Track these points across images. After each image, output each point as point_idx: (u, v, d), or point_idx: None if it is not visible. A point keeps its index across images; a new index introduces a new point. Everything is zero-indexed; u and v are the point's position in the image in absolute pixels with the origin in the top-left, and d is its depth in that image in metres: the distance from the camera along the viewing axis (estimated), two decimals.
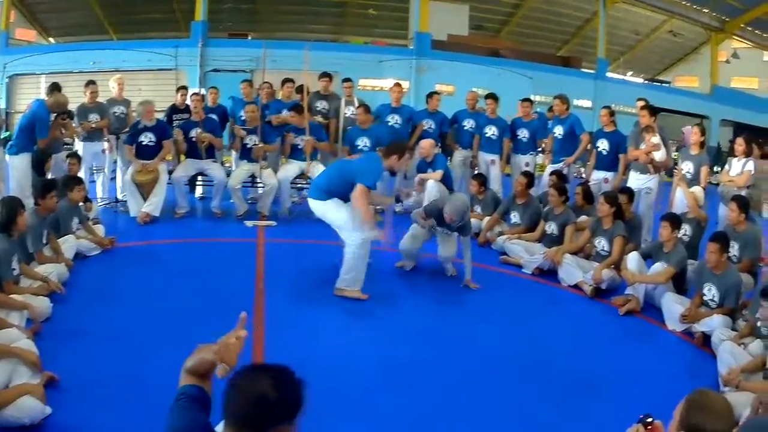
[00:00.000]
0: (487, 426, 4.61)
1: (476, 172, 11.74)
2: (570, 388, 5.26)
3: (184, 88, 12.79)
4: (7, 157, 9.13)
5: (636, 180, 9.62)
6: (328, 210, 7.14)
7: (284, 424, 2.08)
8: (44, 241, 7.28)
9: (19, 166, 8.94)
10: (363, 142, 10.82)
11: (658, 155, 9.33)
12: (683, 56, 35.20)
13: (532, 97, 13.45)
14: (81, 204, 8.54)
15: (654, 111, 9.69)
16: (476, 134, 11.82)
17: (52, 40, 31.79)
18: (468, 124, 11.89)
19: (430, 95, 12.25)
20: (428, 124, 11.69)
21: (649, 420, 2.96)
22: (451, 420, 4.64)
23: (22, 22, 29.26)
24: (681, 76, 34.56)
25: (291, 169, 10.90)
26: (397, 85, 12.10)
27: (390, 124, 11.47)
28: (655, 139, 9.26)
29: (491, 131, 11.61)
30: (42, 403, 4.19)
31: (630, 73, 34.35)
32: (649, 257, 7.64)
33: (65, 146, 10.72)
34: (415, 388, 5.11)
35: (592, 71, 28.22)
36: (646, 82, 31.36)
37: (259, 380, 2.10)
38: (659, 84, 31.06)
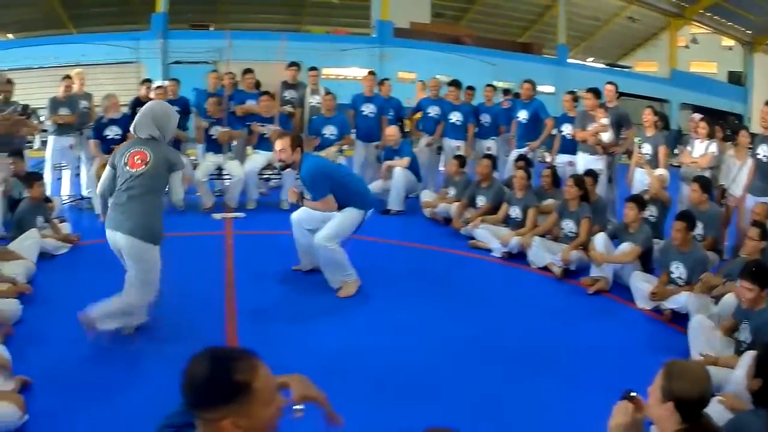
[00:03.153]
0: (456, 405, 4.66)
1: (442, 157, 11.83)
2: (541, 365, 5.36)
3: (149, 80, 12.74)
4: None
5: (585, 162, 9.70)
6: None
7: (228, 405, 1.95)
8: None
9: None
10: (329, 131, 10.85)
11: (605, 136, 9.47)
12: (643, 42, 35.43)
13: (494, 84, 13.56)
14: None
15: (598, 94, 9.88)
16: (441, 121, 11.87)
17: (10, 35, 31.42)
18: (432, 111, 11.95)
19: (382, 82, 12.36)
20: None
21: (633, 394, 3.02)
22: (414, 401, 4.69)
23: None
24: (640, 61, 34.84)
25: (258, 159, 10.91)
26: (370, 74, 12.17)
27: (365, 113, 11.51)
28: (605, 120, 9.43)
29: (455, 117, 11.72)
30: (19, 410, 4.09)
31: (590, 59, 34.56)
32: (615, 238, 7.74)
33: (27, 144, 10.53)
34: (379, 372, 5.16)
35: (553, 57, 28.47)
36: (607, 67, 31.55)
37: (195, 360, 2.03)
38: (620, 69, 31.29)
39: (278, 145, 6.74)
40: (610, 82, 10.36)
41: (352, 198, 6.92)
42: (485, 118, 11.95)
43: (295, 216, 7.31)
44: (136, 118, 5.56)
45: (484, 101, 12.18)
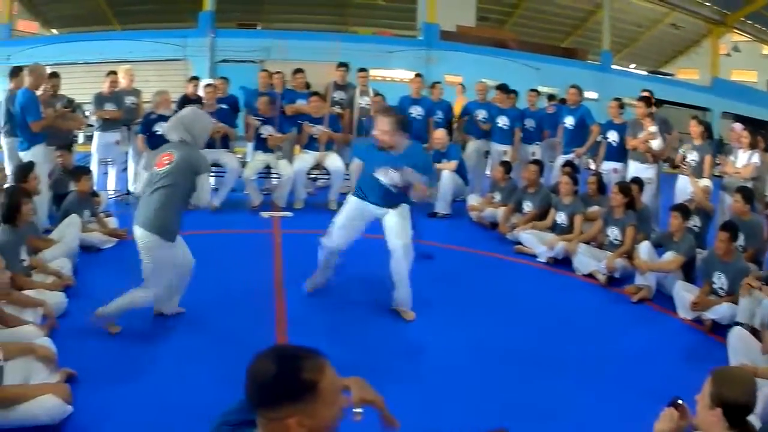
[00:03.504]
0: (495, 411, 4.69)
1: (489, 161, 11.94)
2: (582, 372, 5.40)
3: (196, 78, 12.79)
4: (20, 155, 8.89)
5: (636, 170, 9.74)
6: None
7: (295, 403, 1.95)
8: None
9: (34, 159, 8.57)
10: None
11: (655, 144, 9.50)
12: (684, 49, 35.13)
13: (538, 89, 13.62)
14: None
15: (649, 102, 9.85)
16: (488, 124, 11.90)
17: (54, 31, 31.78)
18: (480, 114, 11.97)
19: (433, 85, 12.41)
20: (436, 115, 11.77)
21: (680, 402, 3.10)
22: (456, 405, 4.75)
23: (23, 14, 29.28)
24: (682, 69, 34.54)
25: (306, 159, 10.98)
26: (417, 76, 12.13)
27: (412, 116, 11.44)
28: (653, 128, 9.45)
29: (502, 121, 11.75)
30: (65, 402, 4.13)
31: (633, 65, 34.33)
32: (659, 246, 7.74)
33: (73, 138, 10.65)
34: (422, 376, 5.22)
35: (596, 63, 28.17)
36: (649, 74, 31.29)
37: (262, 358, 2.00)
38: (662, 76, 31.00)
39: (380, 124, 6.13)
40: (645, 90, 10.42)
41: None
42: (529, 123, 11.97)
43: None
44: (168, 123, 5.80)
45: (528, 106, 12.19)
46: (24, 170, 7.46)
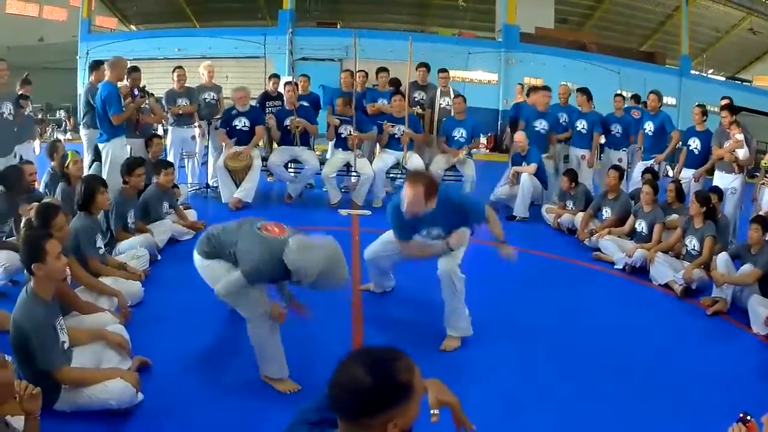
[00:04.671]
0: (563, 419, 4.66)
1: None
2: (649, 385, 5.27)
3: (276, 76, 12.98)
4: (100, 146, 9.07)
5: (722, 179, 9.53)
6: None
7: (389, 410, 1.93)
8: (129, 222, 7.49)
9: (113, 152, 8.88)
10: (459, 133, 10.93)
11: (741, 153, 9.26)
12: (761, 54, 34.47)
13: (619, 92, 13.45)
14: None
15: (733, 110, 9.66)
16: (568, 128, 11.82)
17: (133, 27, 32.44)
18: (561, 118, 11.82)
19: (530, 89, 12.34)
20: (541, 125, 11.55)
21: (748, 418, 3.04)
22: (527, 412, 4.73)
23: (101, 10, 29.93)
24: (759, 75, 33.84)
25: (387, 159, 11.06)
26: (546, 88, 11.91)
27: (536, 129, 11.34)
28: (740, 136, 9.22)
29: (581, 125, 11.56)
30: (134, 389, 4.14)
31: (711, 70, 33.78)
32: (737, 258, 7.53)
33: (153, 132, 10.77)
34: (497, 380, 5.18)
35: (675, 67, 27.57)
36: (727, 80, 30.73)
37: (350, 369, 1.94)
38: (740, 82, 30.43)
39: (409, 194, 5.24)
40: (725, 97, 10.22)
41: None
42: (616, 129, 11.65)
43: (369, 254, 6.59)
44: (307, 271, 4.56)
45: (614, 111, 11.91)
46: (132, 164, 7.66)
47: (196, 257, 5.10)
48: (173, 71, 11.19)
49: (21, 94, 9.38)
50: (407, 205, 5.28)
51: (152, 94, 10.10)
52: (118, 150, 8.77)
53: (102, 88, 8.81)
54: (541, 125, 11.35)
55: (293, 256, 4.54)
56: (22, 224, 5.96)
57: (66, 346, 4.20)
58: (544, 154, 11.23)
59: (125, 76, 9.37)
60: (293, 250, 4.56)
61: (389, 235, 6.15)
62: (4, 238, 6.53)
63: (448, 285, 5.70)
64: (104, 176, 8.07)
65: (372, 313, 6.41)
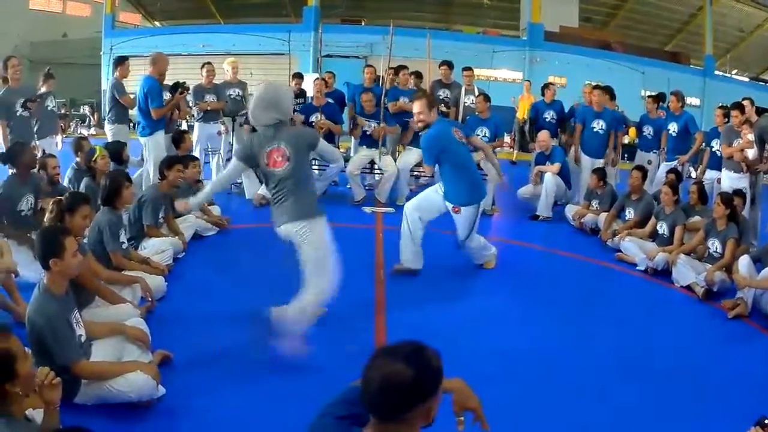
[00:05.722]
0: (582, 422, 4.63)
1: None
2: (668, 387, 5.25)
3: (299, 76, 13.13)
4: (141, 140, 9.31)
5: (729, 179, 9.51)
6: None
7: (428, 400, 2.03)
8: (161, 218, 7.55)
9: (154, 145, 9.16)
10: (482, 132, 10.86)
11: (751, 153, 9.19)
12: None
13: (643, 93, 13.40)
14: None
15: (743, 109, 9.60)
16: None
17: (157, 23, 32.60)
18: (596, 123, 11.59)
19: (546, 86, 12.39)
20: (549, 115, 11.81)
21: (767, 422, 3.08)
22: (545, 411, 4.73)
23: (125, 6, 30.13)
24: None
25: (411, 156, 10.99)
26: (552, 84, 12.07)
27: (595, 130, 11.30)
28: (750, 135, 9.14)
29: (599, 125, 11.36)
30: (155, 382, 4.16)
31: (735, 71, 33.57)
32: (757, 261, 7.45)
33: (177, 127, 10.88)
34: (518, 379, 5.19)
35: (700, 68, 27.49)
36: (751, 80, 30.51)
37: (387, 366, 2.00)
38: (764, 83, 30.20)
39: (416, 107, 7.10)
40: (746, 98, 10.17)
41: (460, 183, 7.16)
42: (648, 130, 11.54)
43: (410, 206, 7.53)
44: (253, 107, 5.20)
45: (647, 112, 11.74)
46: (170, 161, 7.80)
47: None
48: (202, 67, 11.20)
49: (39, 94, 9.28)
50: (416, 114, 7.11)
51: (188, 88, 10.10)
52: (160, 144, 9.05)
53: (144, 82, 9.04)
54: (599, 125, 11.26)
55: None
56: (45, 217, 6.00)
57: (83, 339, 4.23)
58: (599, 160, 11.24)
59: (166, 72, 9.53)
60: (261, 111, 5.19)
61: (431, 190, 7.52)
62: (24, 215, 6.71)
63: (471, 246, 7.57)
64: (149, 170, 8.64)
65: (394, 316, 6.36)
